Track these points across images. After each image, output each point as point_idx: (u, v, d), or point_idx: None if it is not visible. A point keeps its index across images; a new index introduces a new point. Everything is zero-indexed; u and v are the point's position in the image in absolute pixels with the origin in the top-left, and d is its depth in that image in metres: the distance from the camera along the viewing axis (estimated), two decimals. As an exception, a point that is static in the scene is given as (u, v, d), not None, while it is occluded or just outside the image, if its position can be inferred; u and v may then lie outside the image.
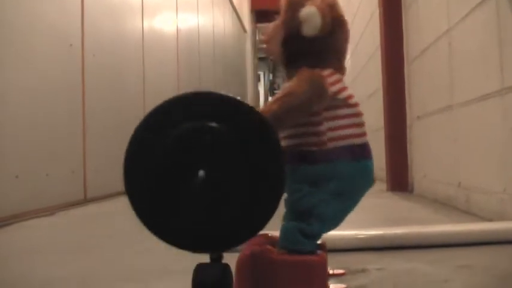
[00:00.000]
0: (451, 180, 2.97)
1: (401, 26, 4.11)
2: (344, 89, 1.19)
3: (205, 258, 1.38)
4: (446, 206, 2.98)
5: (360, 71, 6.97)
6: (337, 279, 1.39)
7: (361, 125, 1.20)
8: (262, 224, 1.03)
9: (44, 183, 3.44)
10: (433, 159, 3.45)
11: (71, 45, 3.95)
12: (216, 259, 1.40)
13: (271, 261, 1.12)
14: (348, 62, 9.10)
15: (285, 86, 1.15)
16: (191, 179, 1.00)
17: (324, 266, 1.15)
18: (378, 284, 1.35)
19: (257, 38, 18.74)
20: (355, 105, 1.20)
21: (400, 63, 4.12)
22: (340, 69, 1.23)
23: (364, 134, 1.20)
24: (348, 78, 6.18)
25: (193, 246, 1.07)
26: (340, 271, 1.43)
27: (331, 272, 1.40)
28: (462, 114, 2.78)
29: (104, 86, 4.53)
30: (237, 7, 13.44)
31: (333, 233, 1.70)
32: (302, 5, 1.18)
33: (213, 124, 1.00)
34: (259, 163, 1.01)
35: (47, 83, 3.57)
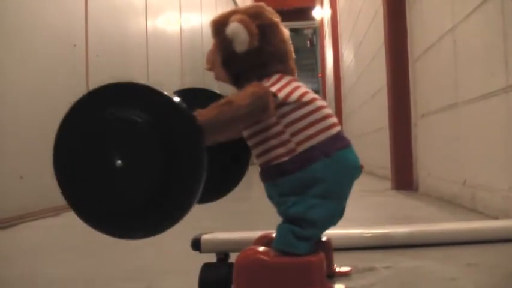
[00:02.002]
0: (456, 178, 2.96)
1: (405, 24, 4.10)
2: (295, 89, 1.18)
3: (211, 258, 1.39)
4: (452, 204, 2.97)
5: (364, 69, 6.96)
6: (343, 277, 1.38)
7: (324, 118, 1.17)
8: (173, 220, 1.04)
9: (49, 184, 3.43)
10: (437, 157, 3.44)
11: (74, 45, 3.95)
12: (222, 259, 1.41)
13: (267, 262, 1.12)
14: (352, 61, 9.13)
15: (231, 93, 1.14)
16: (110, 165, 1.01)
17: (321, 266, 1.14)
18: (386, 282, 1.34)
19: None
20: (312, 101, 1.18)
21: (405, 61, 4.10)
22: (286, 71, 1.22)
23: (331, 126, 1.18)
24: (352, 77, 6.26)
25: (108, 231, 1.08)
26: (347, 268, 1.42)
27: (337, 269, 1.40)
28: (467, 112, 2.77)
29: (108, 86, 4.52)
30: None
31: (339, 232, 1.71)
32: (226, 24, 1.18)
33: (136, 115, 1.02)
34: (177, 158, 1.01)
35: (50, 83, 3.58)
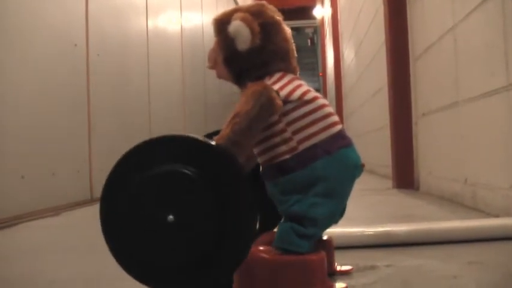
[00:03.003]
0: (457, 177, 2.96)
1: (406, 23, 4.10)
2: (297, 87, 1.18)
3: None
4: (452, 203, 2.97)
5: (365, 68, 6.96)
6: (344, 275, 1.38)
7: (325, 117, 1.18)
8: (236, 262, 1.04)
9: (49, 183, 3.44)
10: (438, 156, 3.44)
11: (75, 45, 3.95)
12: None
13: (268, 261, 1.12)
14: (353, 60, 9.12)
15: (236, 105, 1.14)
16: (162, 221, 1.01)
17: (323, 264, 1.14)
18: (387, 280, 1.34)
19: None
20: (313, 99, 1.18)
21: (405, 60, 4.10)
22: (288, 69, 1.23)
23: (332, 125, 1.18)
24: (352, 76, 6.24)
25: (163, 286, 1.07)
26: (348, 267, 1.42)
27: (338, 268, 1.40)
28: (468, 111, 2.77)
29: (108, 86, 4.53)
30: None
31: (341, 230, 1.71)
32: (228, 22, 1.18)
33: (182, 168, 1.02)
34: (227, 203, 1.01)
35: (52, 83, 3.58)
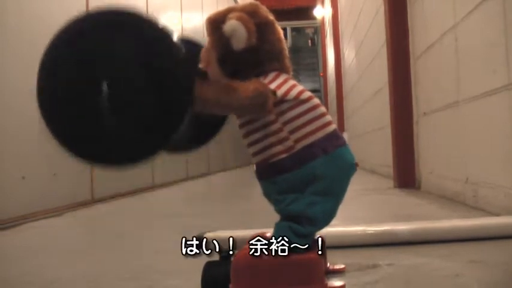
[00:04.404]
0: (458, 176, 2.96)
1: (406, 22, 4.10)
2: (292, 87, 1.18)
3: (214, 256, 1.39)
4: (454, 202, 2.97)
5: (366, 68, 6.96)
6: (338, 275, 1.38)
7: (321, 116, 1.19)
8: (165, 139, 1.02)
9: (51, 184, 3.44)
10: (439, 155, 3.44)
11: (76, 45, 3.94)
12: (225, 257, 1.41)
13: (266, 260, 1.12)
14: (354, 60, 9.08)
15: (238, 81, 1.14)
16: (98, 91, 1.00)
17: (320, 263, 1.15)
18: (390, 279, 1.34)
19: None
20: (309, 99, 1.19)
21: (406, 59, 4.10)
22: (283, 69, 1.23)
23: (327, 124, 1.19)
24: (353, 76, 6.23)
25: (98, 159, 1.07)
26: (341, 266, 1.42)
27: (331, 267, 1.40)
28: (469, 110, 2.77)
29: (109, 87, 4.52)
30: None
31: (343, 229, 1.72)
32: (223, 22, 1.18)
33: (119, 36, 1.00)
34: (162, 76, 0.99)
35: (52, 83, 3.57)
